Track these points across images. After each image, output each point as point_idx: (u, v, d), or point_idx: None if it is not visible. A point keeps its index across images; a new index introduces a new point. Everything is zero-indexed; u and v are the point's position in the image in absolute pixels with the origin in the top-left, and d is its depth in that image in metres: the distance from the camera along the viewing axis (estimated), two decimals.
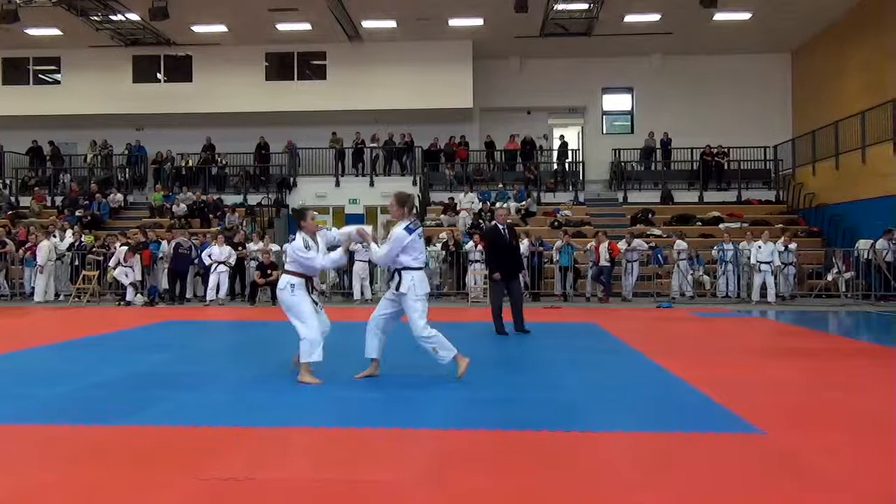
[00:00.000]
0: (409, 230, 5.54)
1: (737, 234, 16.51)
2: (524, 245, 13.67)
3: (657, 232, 17.14)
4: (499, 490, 3.17)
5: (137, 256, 14.02)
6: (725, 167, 20.32)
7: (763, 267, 13.92)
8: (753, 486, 3.23)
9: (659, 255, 15.25)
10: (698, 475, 3.37)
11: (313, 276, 5.93)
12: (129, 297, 13.81)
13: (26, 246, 15.18)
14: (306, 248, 5.60)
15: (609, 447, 3.88)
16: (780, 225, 17.35)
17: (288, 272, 5.74)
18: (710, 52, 20.88)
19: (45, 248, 14.48)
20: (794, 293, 14.55)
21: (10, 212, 19.28)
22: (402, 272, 5.53)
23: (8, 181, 21.24)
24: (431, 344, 5.50)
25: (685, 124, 20.87)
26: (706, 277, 15.14)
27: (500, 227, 8.89)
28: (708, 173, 20.18)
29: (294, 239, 5.70)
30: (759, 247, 14.04)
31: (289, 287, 5.63)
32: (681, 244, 14.89)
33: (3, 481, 3.30)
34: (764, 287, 13.96)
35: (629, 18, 18.66)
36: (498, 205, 15.67)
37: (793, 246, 14.52)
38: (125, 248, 13.91)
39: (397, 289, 5.55)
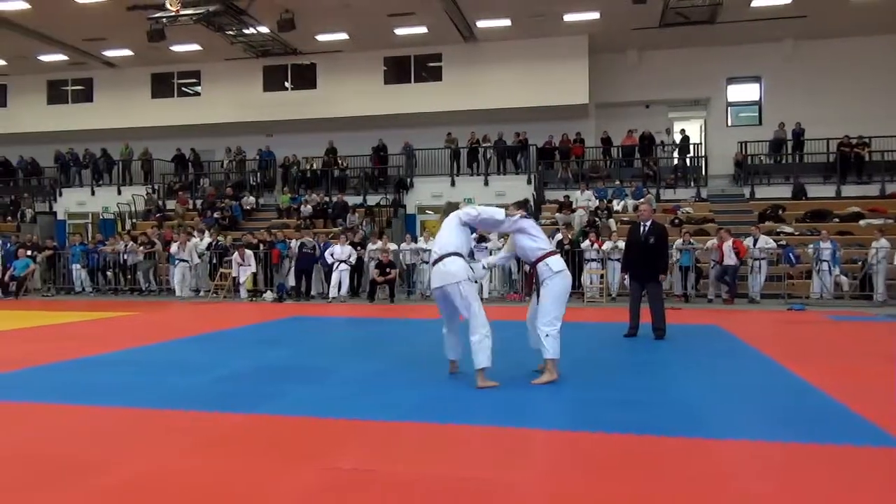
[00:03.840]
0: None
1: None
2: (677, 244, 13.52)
3: (788, 229, 16.10)
4: (618, 495, 3.13)
5: (249, 254, 15.10)
6: (866, 158, 18.75)
7: None
8: None
9: (790, 255, 14.32)
10: (834, 492, 3.16)
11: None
12: (244, 288, 15.01)
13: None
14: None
15: (733, 456, 3.70)
16: None
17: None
18: (848, 35, 19.33)
19: (190, 247, 16.09)
20: None
21: (158, 214, 21.07)
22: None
23: (156, 186, 23.20)
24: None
25: (820, 114, 19.45)
26: (844, 278, 14.06)
27: (642, 224, 8.45)
28: (846, 166, 18.70)
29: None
30: None
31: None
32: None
33: (140, 463, 3.57)
34: None
35: (757, 3, 17.64)
36: (642, 201, 15.24)
37: None
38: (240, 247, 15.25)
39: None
